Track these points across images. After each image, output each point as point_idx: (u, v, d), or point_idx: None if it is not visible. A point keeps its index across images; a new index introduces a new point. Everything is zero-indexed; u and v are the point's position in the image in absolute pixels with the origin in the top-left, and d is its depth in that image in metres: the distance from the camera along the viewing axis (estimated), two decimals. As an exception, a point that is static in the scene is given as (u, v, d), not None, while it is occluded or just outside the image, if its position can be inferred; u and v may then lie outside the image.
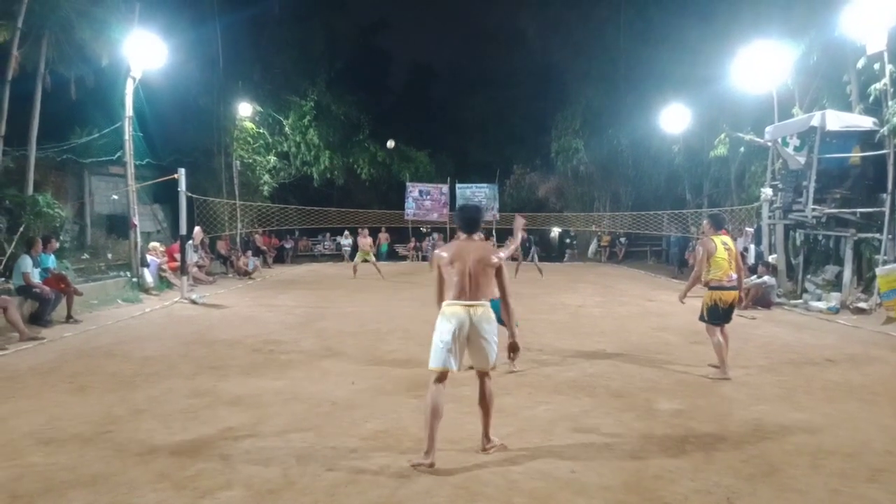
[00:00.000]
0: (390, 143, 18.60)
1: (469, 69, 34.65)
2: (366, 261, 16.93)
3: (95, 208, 16.58)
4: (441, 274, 4.15)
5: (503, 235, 26.90)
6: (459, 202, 26.66)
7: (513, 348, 4.25)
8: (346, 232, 24.56)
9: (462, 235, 4.27)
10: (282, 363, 6.85)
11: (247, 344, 7.88)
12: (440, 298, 4.17)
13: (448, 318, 3.99)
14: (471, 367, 4.59)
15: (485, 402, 4.19)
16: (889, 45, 9.90)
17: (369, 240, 17.57)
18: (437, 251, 4.27)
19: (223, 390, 5.69)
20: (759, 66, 12.98)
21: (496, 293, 4.37)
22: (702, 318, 6.42)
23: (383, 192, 29.39)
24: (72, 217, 14.76)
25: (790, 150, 12.92)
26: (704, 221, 6.87)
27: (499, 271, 4.13)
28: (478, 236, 4.32)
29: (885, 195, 10.45)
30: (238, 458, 4.04)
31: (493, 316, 4.10)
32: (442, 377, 4.02)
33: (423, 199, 26.79)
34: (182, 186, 12.41)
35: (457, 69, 36.07)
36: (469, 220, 4.31)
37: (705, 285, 6.35)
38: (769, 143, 13.57)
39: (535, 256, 18.82)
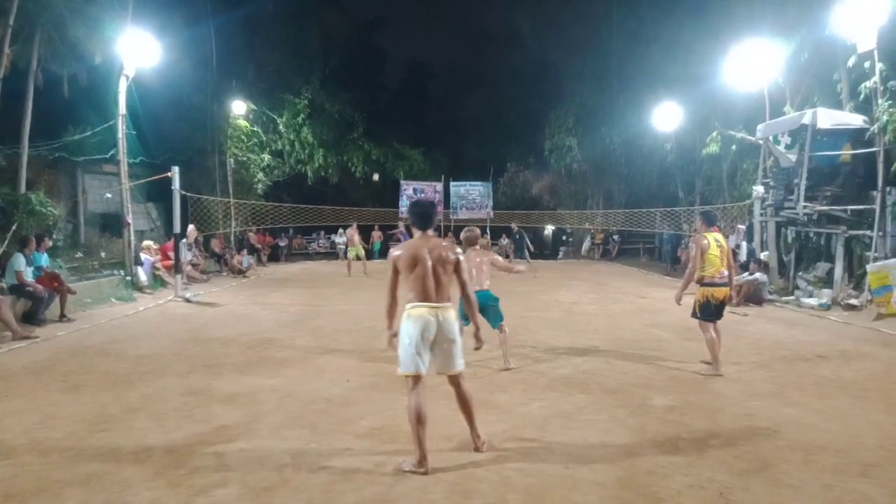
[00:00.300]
0: (375, 177, 19.17)
1: (464, 68, 34.80)
2: (358, 258, 16.93)
3: (89, 207, 16.50)
4: (398, 274, 4.00)
5: (497, 233, 27.02)
6: (453, 200, 26.72)
7: (477, 338, 4.18)
8: (341, 230, 24.54)
9: (417, 233, 4.13)
10: (276, 361, 6.84)
11: (241, 342, 7.87)
12: (393, 299, 4.04)
13: (414, 321, 3.89)
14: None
15: (466, 405, 4.11)
16: (879, 43, 9.95)
17: (357, 236, 17.60)
18: (394, 251, 4.11)
19: (217, 388, 5.69)
20: (751, 64, 13.03)
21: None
22: (694, 315, 6.45)
23: (377, 190, 29.38)
24: (65, 215, 14.69)
25: (781, 147, 12.98)
26: (697, 219, 6.86)
27: (457, 266, 4.05)
28: (432, 232, 4.17)
29: (875, 192, 10.53)
30: (233, 456, 4.04)
31: (455, 317, 4.03)
32: (416, 380, 3.92)
33: (418, 197, 26.80)
34: (176, 185, 12.38)
35: (452, 68, 36.23)
36: (423, 215, 4.13)
37: (698, 282, 6.39)
38: (761, 141, 13.63)
39: (528, 253, 18.88)
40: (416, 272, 3.93)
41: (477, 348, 4.22)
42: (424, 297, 3.92)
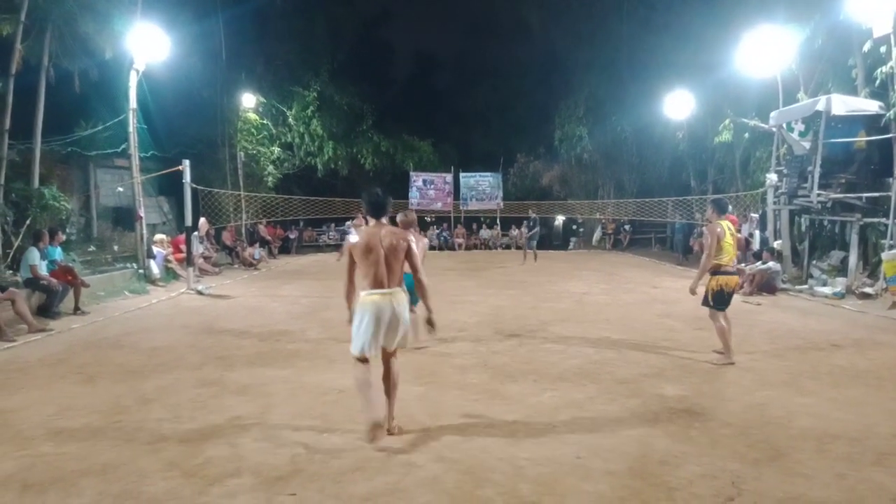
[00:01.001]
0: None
1: (472, 59, 34.46)
2: None
3: (101, 201, 16.60)
4: (353, 261, 4.20)
5: (507, 224, 26.95)
6: (463, 191, 26.66)
7: (430, 323, 4.28)
8: (349, 222, 24.57)
9: (371, 221, 4.29)
10: (288, 353, 6.89)
11: (253, 334, 7.92)
12: (350, 285, 4.26)
13: (368, 308, 4.07)
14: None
15: (390, 385, 4.28)
16: (895, 27, 9.79)
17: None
18: (350, 238, 4.31)
19: (230, 380, 5.74)
20: (764, 50, 12.86)
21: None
22: (707, 304, 6.37)
23: (387, 181, 29.35)
24: (78, 209, 14.80)
25: (795, 135, 12.83)
26: (708, 207, 6.74)
27: (408, 253, 4.18)
28: (386, 220, 4.33)
29: (890, 179, 10.39)
30: (246, 447, 4.08)
31: (406, 299, 4.21)
32: (363, 361, 4.18)
33: (427, 189, 26.79)
34: (187, 178, 12.43)
35: (460, 59, 35.96)
36: (375, 204, 4.27)
37: (712, 271, 6.30)
38: (774, 129, 13.48)
39: (535, 242, 18.77)
40: (369, 259, 4.12)
41: (430, 332, 4.34)
42: (376, 283, 4.13)
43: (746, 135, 15.99)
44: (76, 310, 9.38)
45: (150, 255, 13.01)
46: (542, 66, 29.43)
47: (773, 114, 13.09)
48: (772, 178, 13.03)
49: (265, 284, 13.68)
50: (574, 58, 25.55)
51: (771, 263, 11.39)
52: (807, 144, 12.26)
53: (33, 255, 8.98)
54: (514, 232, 26.15)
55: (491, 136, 32.10)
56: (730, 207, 13.72)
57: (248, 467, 3.74)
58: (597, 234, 25.80)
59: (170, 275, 13.39)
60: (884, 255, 9.87)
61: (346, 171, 26.26)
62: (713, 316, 6.34)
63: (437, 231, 26.55)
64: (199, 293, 11.66)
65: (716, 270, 6.26)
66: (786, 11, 12.72)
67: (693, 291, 6.43)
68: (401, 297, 4.16)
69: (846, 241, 11.49)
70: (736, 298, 6.57)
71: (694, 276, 6.61)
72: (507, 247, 25.83)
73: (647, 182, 24.77)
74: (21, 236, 10.25)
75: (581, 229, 27.87)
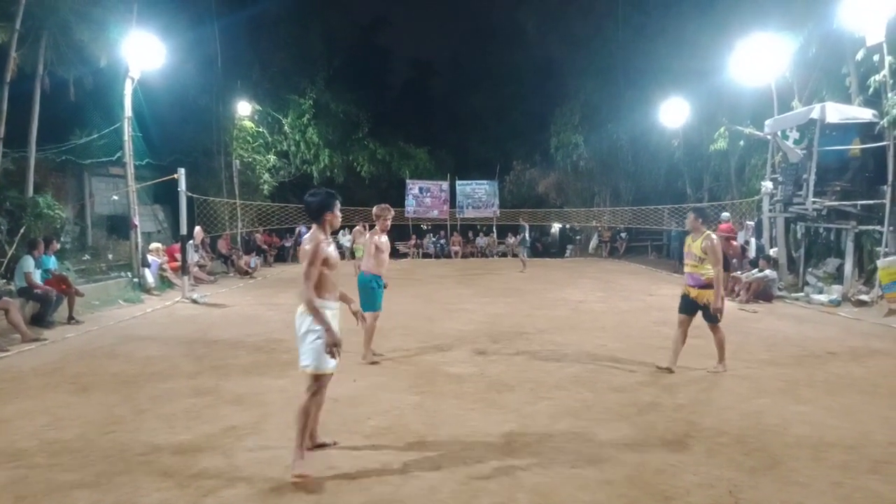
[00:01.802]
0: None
1: (468, 65, 34.62)
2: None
3: (96, 209, 16.58)
4: None
5: (503, 232, 26.97)
6: (459, 199, 26.70)
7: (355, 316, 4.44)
8: (345, 230, 24.52)
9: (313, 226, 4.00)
10: (283, 362, 6.84)
11: (248, 343, 7.89)
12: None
13: None
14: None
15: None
16: (888, 36, 9.85)
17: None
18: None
19: (225, 389, 5.71)
20: (758, 58, 12.94)
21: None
22: (715, 320, 6.18)
23: (383, 189, 29.36)
24: (72, 218, 14.76)
25: (790, 142, 12.89)
26: (691, 216, 6.30)
27: (304, 257, 3.86)
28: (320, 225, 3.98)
29: (885, 187, 10.43)
30: (241, 457, 4.06)
31: (301, 315, 3.95)
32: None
33: (424, 197, 26.80)
34: (182, 186, 12.41)
35: (456, 66, 36.10)
36: (306, 206, 3.96)
37: (703, 285, 6.14)
38: (769, 136, 13.55)
39: (525, 251, 18.81)
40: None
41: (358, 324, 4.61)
42: None
43: (741, 142, 16.06)
44: (70, 319, 9.33)
45: (145, 264, 12.96)
46: (538, 72, 29.59)
47: (767, 122, 13.16)
48: (767, 185, 13.10)
49: (261, 293, 13.64)
50: (569, 64, 25.71)
51: (767, 271, 11.42)
52: (802, 152, 12.32)
53: (28, 263, 8.94)
54: (511, 240, 26.19)
55: (487, 143, 32.22)
56: (726, 215, 13.86)
57: (243, 478, 3.72)
58: (593, 242, 25.84)
59: (165, 284, 13.35)
60: (879, 263, 9.91)
61: (342, 179, 26.28)
62: (716, 328, 6.22)
63: (434, 239, 26.57)
64: (195, 302, 11.62)
65: (709, 285, 6.11)
66: (779, 19, 12.81)
67: (721, 311, 6.09)
68: (300, 311, 3.94)
69: (842, 248, 11.53)
70: (733, 306, 6.55)
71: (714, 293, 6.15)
72: (504, 254, 25.84)
73: (643, 190, 24.86)
74: (15, 245, 10.20)
75: (577, 237, 27.91)
